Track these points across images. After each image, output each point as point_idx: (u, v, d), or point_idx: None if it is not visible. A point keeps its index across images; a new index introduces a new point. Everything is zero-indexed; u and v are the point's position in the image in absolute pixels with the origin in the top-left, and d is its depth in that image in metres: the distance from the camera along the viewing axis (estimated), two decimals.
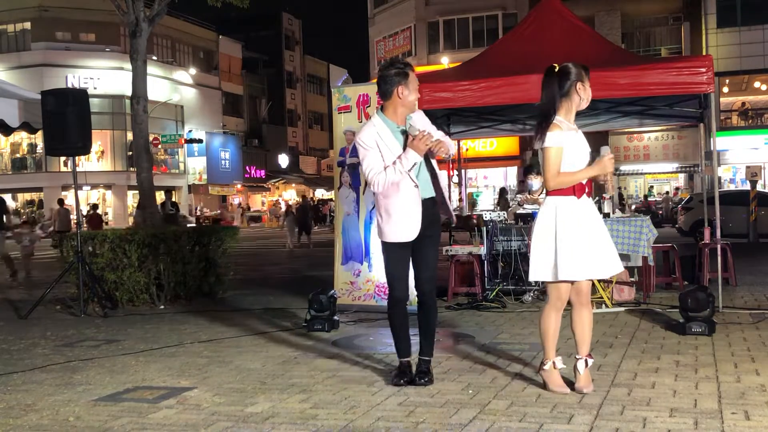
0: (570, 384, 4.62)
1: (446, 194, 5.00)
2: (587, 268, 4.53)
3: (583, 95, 4.62)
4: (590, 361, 4.63)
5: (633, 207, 25.40)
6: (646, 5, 35.61)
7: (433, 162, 4.92)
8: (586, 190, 4.60)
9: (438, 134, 4.80)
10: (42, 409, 4.65)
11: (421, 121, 4.85)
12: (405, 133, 4.76)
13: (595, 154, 4.62)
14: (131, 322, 8.18)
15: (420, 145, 4.61)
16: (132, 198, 45.30)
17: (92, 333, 7.62)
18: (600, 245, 4.56)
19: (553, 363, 4.63)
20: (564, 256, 4.50)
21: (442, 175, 5.05)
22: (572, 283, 4.59)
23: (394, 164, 4.65)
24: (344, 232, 8.45)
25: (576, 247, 4.50)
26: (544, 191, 4.71)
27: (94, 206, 29.05)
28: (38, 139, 38.86)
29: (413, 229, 4.73)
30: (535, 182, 9.08)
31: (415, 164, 4.67)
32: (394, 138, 4.73)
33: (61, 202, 24.08)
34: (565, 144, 4.53)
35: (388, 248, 4.86)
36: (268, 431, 4.06)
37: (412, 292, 5.04)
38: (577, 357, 4.64)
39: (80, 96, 8.95)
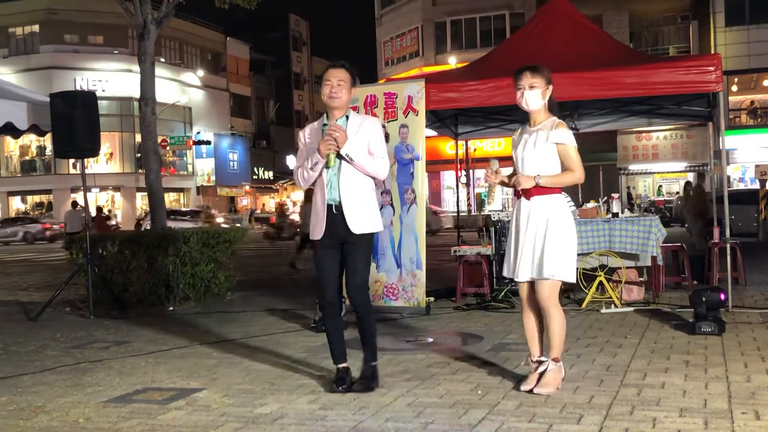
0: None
1: (367, 158, 4.73)
2: (510, 267, 4.79)
3: (517, 99, 4.78)
4: (551, 365, 4.59)
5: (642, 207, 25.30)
6: (654, 4, 35.54)
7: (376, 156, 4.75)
8: (522, 191, 4.68)
9: (359, 142, 4.68)
10: (52, 411, 4.67)
11: (355, 122, 4.77)
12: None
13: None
14: (140, 324, 8.20)
15: (320, 146, 4.62)
16: (141, 200, 45.42)
17: (102, 335, 7.64)
18: (524, 248, 4.65)
19: (529, 359, 4.79)
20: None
21: (365, 182, 4.79)
22: (529, 284, 4.72)
23: (306, 161, 4.77)
24: None
25: (508, 246, 4.86)
26: None
27: (99, 209, 29.07)
28: (47, 141, 39.06)
29: (318, 228, 4.78)
30: None
31: (317, 163, 4.67)
32: (319, 137, 4.75)
33: (75, 204, 24.06)
34: (515, 148, 4.82)
35: (314, 249, 4.92)
36: None
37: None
38: (542, 359, 4.70)
39: (89, 98, 8.97)
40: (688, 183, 18.13)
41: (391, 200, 8.33)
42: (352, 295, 4.82)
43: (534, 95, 4.66)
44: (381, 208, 7.97)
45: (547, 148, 4.62)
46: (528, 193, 4.65)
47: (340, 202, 4.73)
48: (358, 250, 4.78)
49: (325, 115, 4.89)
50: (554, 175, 4.61)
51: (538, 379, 4.65)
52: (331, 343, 4.94)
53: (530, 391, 4.58)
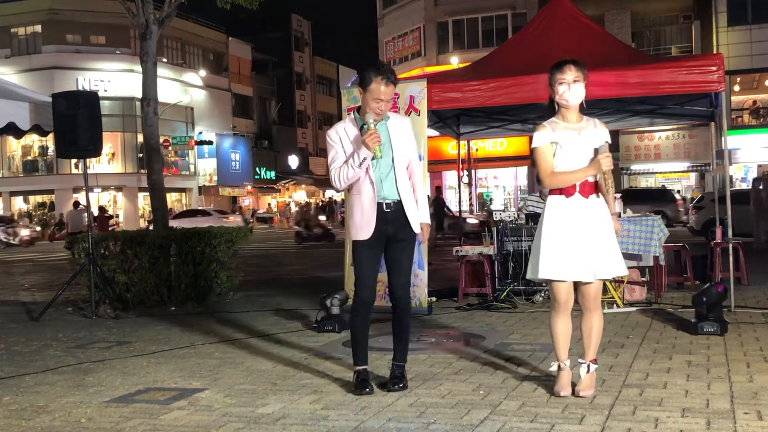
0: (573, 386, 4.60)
1: (421, 200, 4.88)
2: (567, 268, 4.47)
3: (556, 94, 4.56)
4: (593, 367, 4.57)
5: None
6: (657, 4, 35.51)
7: (414, 165, 4.87)
8: (578, 189, 4.50)
9: (405, 142, 4.80)
10: (54, 411, 4.67)
11: (397, 123, 4.85)
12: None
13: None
14: (142, 324, 8.21)
15: (367, 141, 4.59)
16: (143, 200, 45.46)
17: (104, 335, 7.65)
18: (589, 247, 4.45)
19: (559, 365, 4.59)
20: (544, 255, 4.52)
21: (418, 181, 4.92)
22: (578, 283, 4.54)
23: (349, 160, 4.71)
24: None
25: (557, 246, 4.49)
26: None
27: (101, 208, 29.10)
28: (49, 141, 39.08)
29: (366, 228, 4.73)
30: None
31: (365, 159, 4.64)
32: (359, 136, 4.70)
33: (76, 204, 24.09)
34: (559, 143, 4.53)
35: (354, 247, 4.85)
36: None
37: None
38: (580, 361, 4.63)
39: (91, 98, 8.98)
40: (756, 180, 18.03)
41: None
42: (399, 292, 4.82)
43: (578, 89, 4.51)
44: None
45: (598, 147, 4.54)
46: (586, 192, 4.51)
47: (400, 200, 4.75)
48: (407, 248, 4.82)
49: (355, 114, 4.83)
50: (611, 196, 4.59)
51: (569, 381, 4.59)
52: (357, 344, 4.84)
53: (577, 394, 4.48)
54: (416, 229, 4.80)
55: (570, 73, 4.52)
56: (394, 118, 4.91)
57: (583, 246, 4.46)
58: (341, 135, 4.80)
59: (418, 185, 4.92)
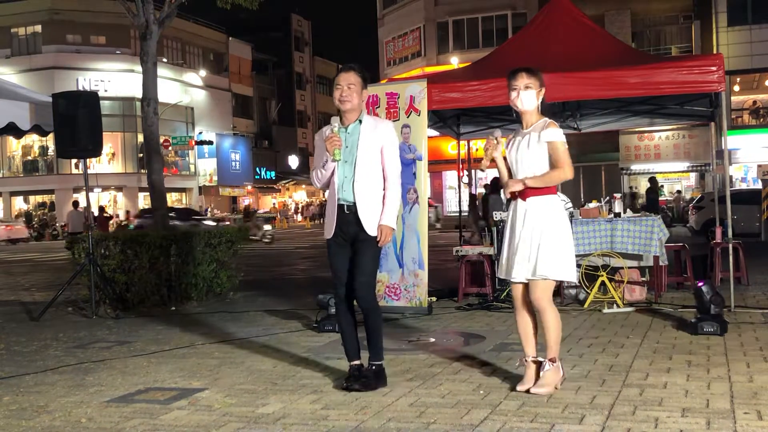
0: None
1: (389, 204, 4.83)
2: (503, 268, 4.80)
3: (509, 99, 4.78)
4: (547, 365, 4.58)
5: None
6: (657, 4, 35.49)
7: (387, 169, 4.86)
8: (518, 192, 4.69)
9: (374, 146, 4.81)
10: (54, 411, 4.67)
11: (370, 127, 4.87)
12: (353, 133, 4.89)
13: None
14: (142, 324, 8.21)
15: (326, 144, 4.74)
16: (143, 200, 45.47)
17: (104, 334, 7.65)
18: (514, 249, 4.67)
19: (523, 359, 4.77)
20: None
21: (390, 185, 4.88)
22: (523, 284, 4.71)
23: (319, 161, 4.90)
24: None
25: (503, 247, 4.83)
26: None
27: (101, 208, 29.11)
28: (49, 141, 39.09)
29: (329, 227, 4.90)
30: None
31: (326, 161, 4.79)
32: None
33: (76, 204, 24.12)
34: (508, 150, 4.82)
35: (326, 245, 5.00)
36: None
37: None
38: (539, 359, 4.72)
39: (91, 98, 8.98)
40: None
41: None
42: (357, 291, 4.85)
43: (529, 95, 4.68)
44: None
45: (540, 148, 4.63)
46: (524, 194, 4.67)
47: (354, 203, 4.79)
48: (368, 248, 4.82)
49: (339, 117, 4.90)
50: (541, 175, 4.62)
51: (536, 379, 4.67)
52: (344, 340, 4.98)
53: (527, 391, 4.58)
54: (370, 231, 4.79)
55: (521, 80, 4.70)
56: (369, 121, 4.91)
57: (513, 247, 4.70)
58: (322, 137, 4.93)
59: (389, 189, 4.87)
